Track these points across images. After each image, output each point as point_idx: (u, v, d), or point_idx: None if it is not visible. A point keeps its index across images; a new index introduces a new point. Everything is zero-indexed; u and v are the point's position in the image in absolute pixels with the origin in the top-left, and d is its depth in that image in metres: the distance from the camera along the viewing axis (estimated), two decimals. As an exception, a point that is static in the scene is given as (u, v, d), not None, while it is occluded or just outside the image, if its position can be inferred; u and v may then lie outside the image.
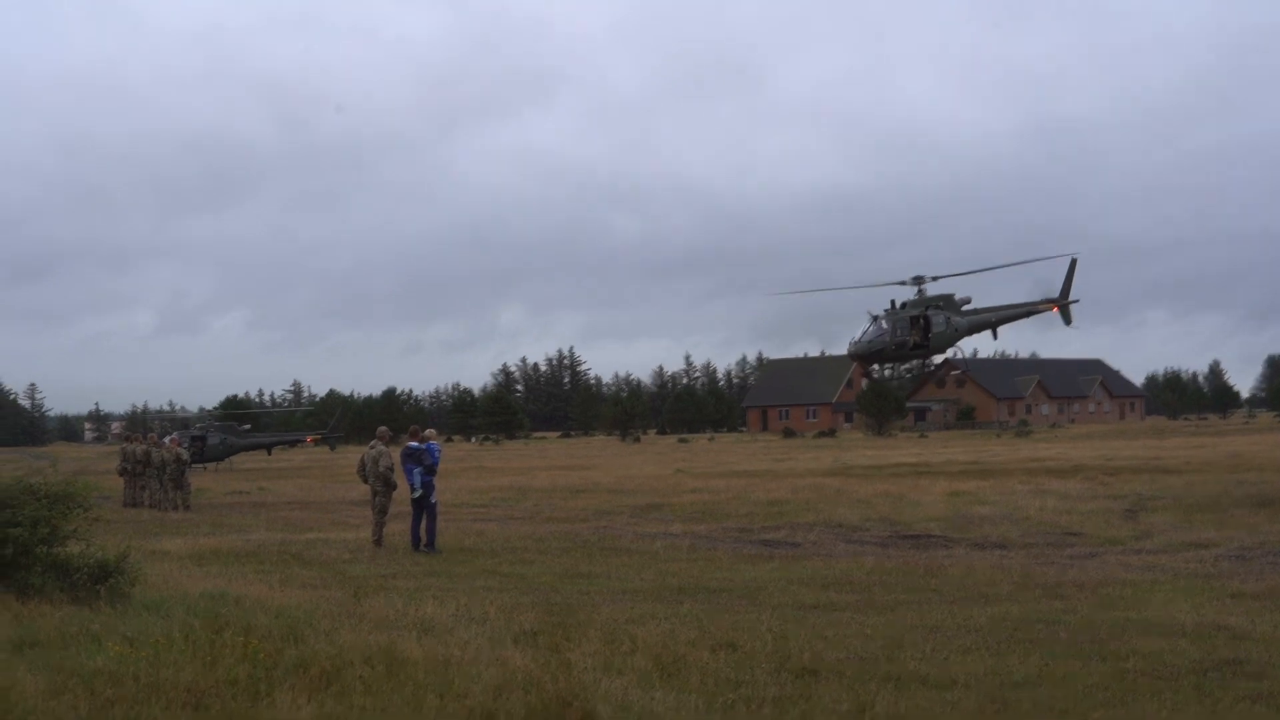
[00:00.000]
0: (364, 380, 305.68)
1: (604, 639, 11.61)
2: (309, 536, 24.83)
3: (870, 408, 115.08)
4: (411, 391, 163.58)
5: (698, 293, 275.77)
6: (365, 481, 23.75)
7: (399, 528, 23.65)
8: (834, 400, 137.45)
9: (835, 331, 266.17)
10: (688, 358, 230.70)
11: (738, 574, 18.10)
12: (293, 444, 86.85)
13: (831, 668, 10.29)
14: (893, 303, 40.15)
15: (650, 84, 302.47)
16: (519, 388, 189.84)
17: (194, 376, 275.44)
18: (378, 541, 22.71)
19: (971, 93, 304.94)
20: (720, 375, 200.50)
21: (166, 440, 39.96)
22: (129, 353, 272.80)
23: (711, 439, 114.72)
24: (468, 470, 52.92)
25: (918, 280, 39.95)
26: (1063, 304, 41.52)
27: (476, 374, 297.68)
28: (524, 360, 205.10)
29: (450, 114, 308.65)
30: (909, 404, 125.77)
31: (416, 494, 22.46)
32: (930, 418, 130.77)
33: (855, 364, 45.00)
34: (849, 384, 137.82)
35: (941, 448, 65.24)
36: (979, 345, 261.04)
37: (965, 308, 40.89)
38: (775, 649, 11.10)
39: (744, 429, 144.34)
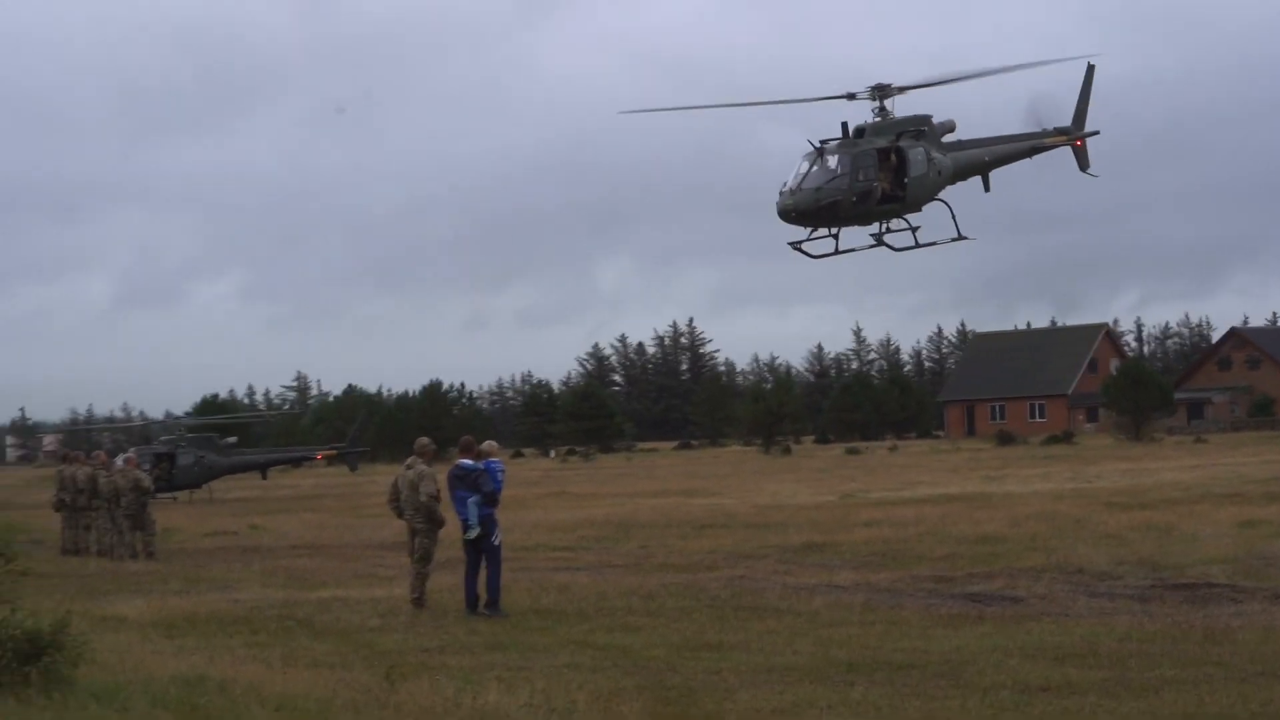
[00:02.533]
0: (398, 372, 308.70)
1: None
2: (322, 595, 25.10)
3: (1123, 401, 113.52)
4: (464, 386, 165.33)
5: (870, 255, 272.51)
6: (400, 516, 23.79)
7: (449, 581, 23.54)
8: (1070, 391, 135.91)
9: (1077, 293, 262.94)
10: (858, 332, 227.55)
11: (933, 643, 17.55)
12: (297, 463, 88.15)
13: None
14: (844, 128, 37.01)
15: None
16: (616, 380, 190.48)
17: (162, 368, 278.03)
18: (418, 601, 22.56)
19: None
20: (906, 357, 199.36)
21: (121, 460, 40.53)
22: (73, 334, 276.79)
23: (894, 448, 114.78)
24: (545, 498, 53.29)
25: (880, 91, 37.15)
26: (1076, 136, 40.33)
27: (558, 360, 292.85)
28: (623, 340, 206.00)
29: None
30: (1179, 394, 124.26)
31: (472, 533, 22.15)
32: (1210, 413, 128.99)
33: (799, 228, 37.63)
34: (1092, 367, 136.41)
35: (1218, 458, 64.40)
36: (1267, 304, 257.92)
37: (947, 138, 38.39)
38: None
39: (941, 434, 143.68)
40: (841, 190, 35.57)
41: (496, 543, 22.46)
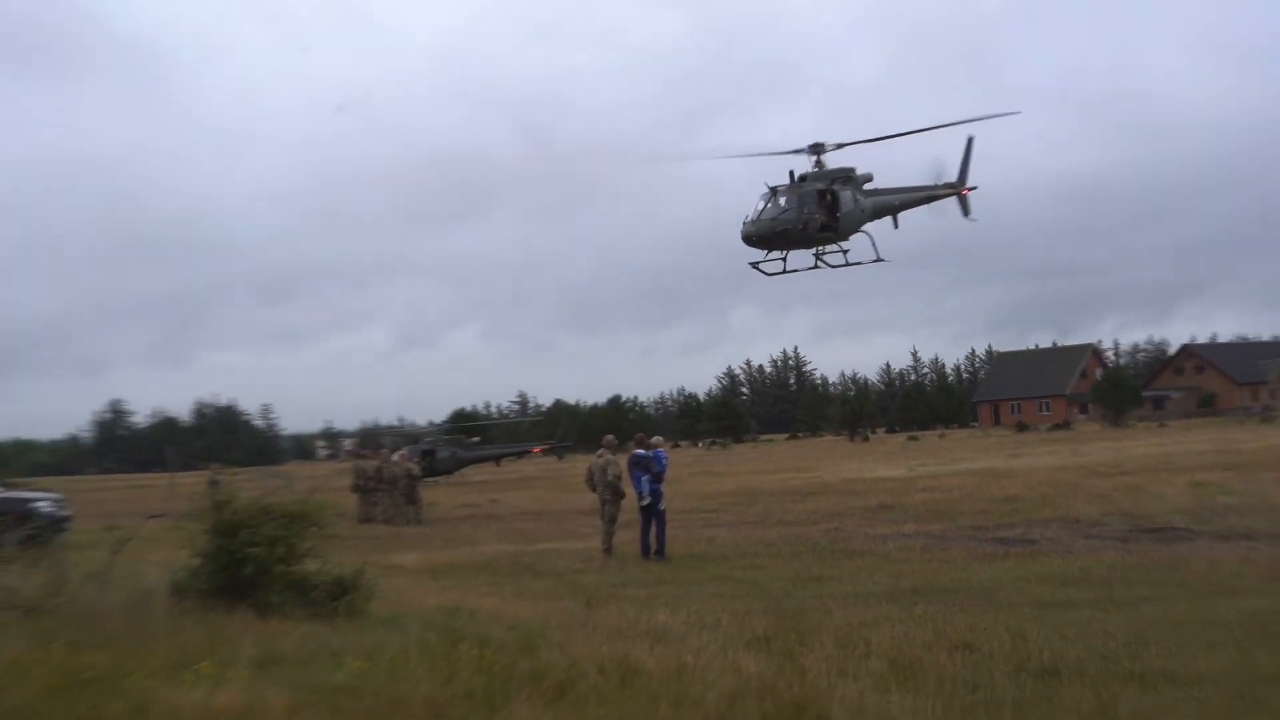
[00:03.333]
0: (589, 389, 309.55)
1: (838, 643, 11.60)
2: (540, 548, 25.32)
3: (1106, 399, 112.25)
4: (637, 398, 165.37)
5: (931, 285, 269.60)
6: (593, 491, 24.17)
7: (628, 536, 23.83)
8: (1068, 392, 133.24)
9: (1071, 321, 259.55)
10: (914, 353, 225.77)
11: (972, 573, 18.00)
12: (520, 455, 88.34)
13: (1072, 667, 10.21)
14: (791, 174, 35.68)
15: (888, 74, 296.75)
16: (744, 391, 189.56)
17: (424, 391, 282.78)
18: (607, 550, 23.06)
19: (1216, 69, 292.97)
20: (949, 370, 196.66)
21: (397, 456, 41.20)
22: (363, 369, 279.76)
23: (942, 435, 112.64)
24: (695, 475, 53.04)
25: (816, 149, 35.85)
26: (960, 189, 38.54)
27: (701, 379, 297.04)
28: (748, 363, 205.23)
29: (688, 116, 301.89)
30: (1146, 393, 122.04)
31: (645, 501, 22.73)
32: (1169, 406, 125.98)
33: (755, 247, 35.68)
34: (1083, 374, 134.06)
35: (1180, 438, 63.03)
36: (1218, 327, 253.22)
37: (867, 186, 36.90)
38: (1013, 649, 11.04)
39: (975, 424, 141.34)
40: (790, 221, 34.79)
41: (662, 508, 22.94)
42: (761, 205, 35.36)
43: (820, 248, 36.34)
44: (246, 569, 13.78)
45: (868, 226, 36.95)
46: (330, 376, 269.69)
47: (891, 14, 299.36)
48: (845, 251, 36.68)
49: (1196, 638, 11.36)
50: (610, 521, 23.45)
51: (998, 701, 9.13)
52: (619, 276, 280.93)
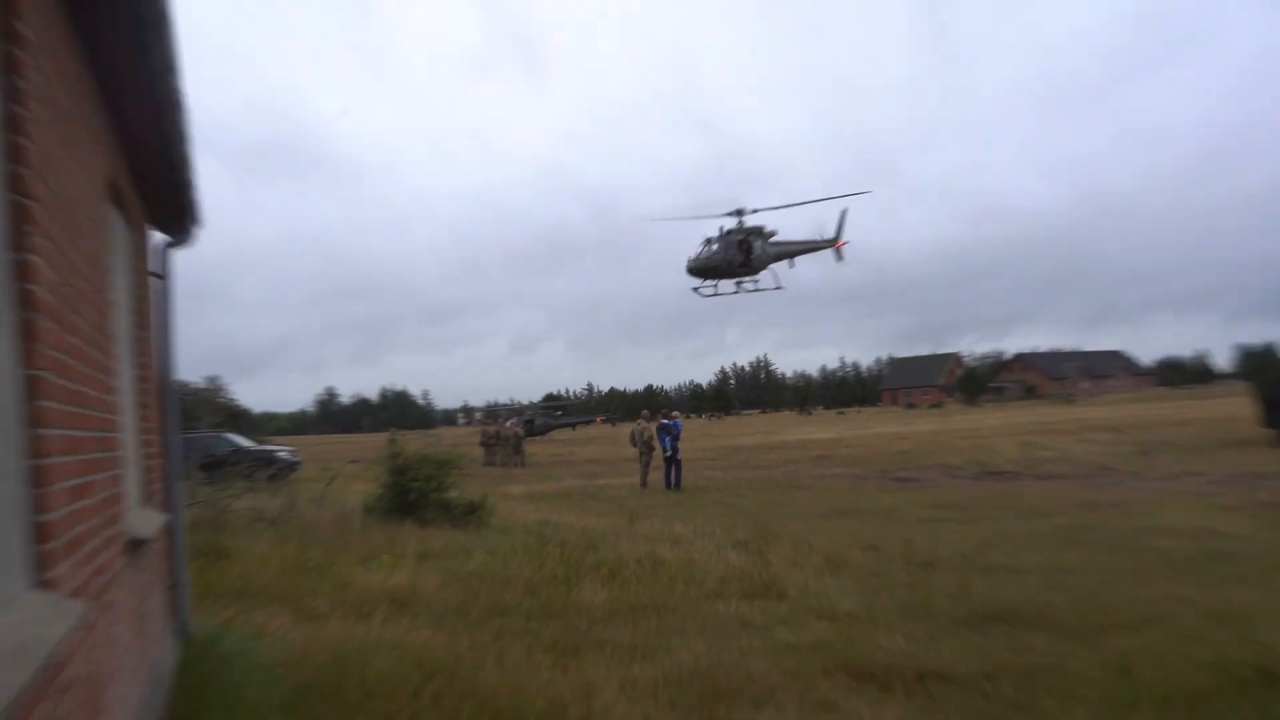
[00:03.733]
0: (632, 380, 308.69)
1: (792, 545, 11.61)
2: (600, 482, 24.96)
3: (965, 387, 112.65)
4: (663, 386, 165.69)
5: (853, 314, 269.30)
6: (634, 446, 23.98)
7: (657, 476, 23.30)
8: (940, 383, 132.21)
9: (943, 336, 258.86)
10: (842, 358, 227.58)
11: (878, 501, 17.44)
12: (588, 423, 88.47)
13: (943, 561, 10.14)
14: (721, 229, 35.41)
15: (830, 179, 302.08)
16: (732, 381, 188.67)
17: (527, 381, 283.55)
18: (643, 484, 22.78)
19: (1037, 178, 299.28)
20: (865, 368, 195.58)
21: (509, 423, 41.32)
22: (488, 367, 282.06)
23: (859, 412, 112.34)
24: (699, 437, 52.93)
25: (738, 213, 35.21)
26: (836, 243, 37.27)
27: (704, 374, 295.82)
28: (734, 364, 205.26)
29: (698, 205, 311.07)
30: (991, 384, 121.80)
31: (668, 454, 22.43)
32: (1006, 393, 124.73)
33: (698, 279, 36.31)
34: (950, 372, 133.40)
35: (1013, 414, 62.73)
36: (1039, 340, 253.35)
37: (772, 239, 36.00)
38: (904, 550, 10.95)
39: (880, 404, 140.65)
40: (720, 259, 34.93)
41: (679, 458, 22.56)
42: (700, 249, 35.53)
43: (740, 279, 36.39)
44: (411, 496, 14.04)
45: (773, 265, 36.52)
46: (467, 372, 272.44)
47: (831, 139, 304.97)
48: (756, 282, 36.58)
49: (1022, 544, 11.29)
50: (645, 466, 23.29)
51: (893, 584, 9.14)
52: (653, 307, 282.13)
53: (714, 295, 36.90)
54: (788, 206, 38.48)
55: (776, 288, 36.82)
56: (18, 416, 2.64)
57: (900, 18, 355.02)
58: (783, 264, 37.08)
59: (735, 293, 36.77)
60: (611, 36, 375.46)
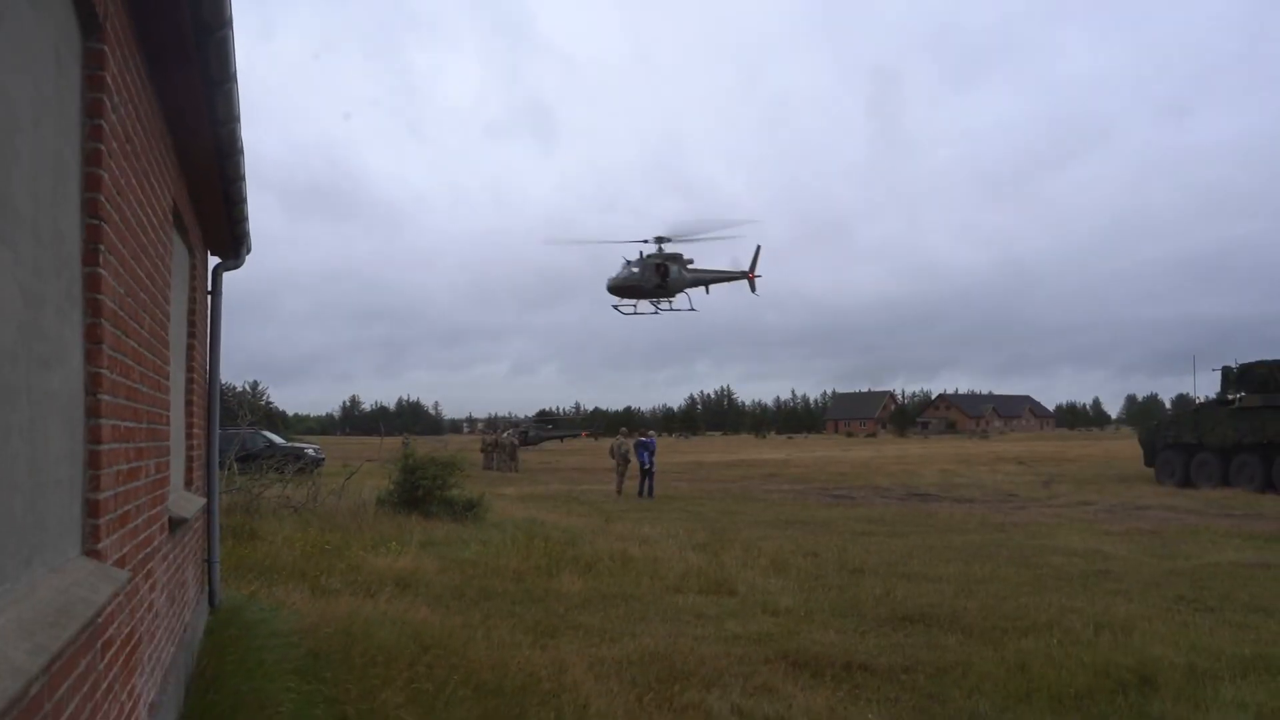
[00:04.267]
0: (614, 401, 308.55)
1: (743, 549, 11.54)
2: (582, 488, 24.53)
3: (896, 421, 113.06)
4: (640, 407, 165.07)
5: (803, 354, 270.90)
6: (612, 458, 23.87)
7: (630, 485, 22.98)
8: (876, 416, 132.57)
9: (879, 376, 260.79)
10: (793, 391, 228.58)
11: (818, 513, 17.48)
12: (575, 436, 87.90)
13: (871, 568, 10.19)
14: (640, 253, 33.17)
15: (789, 237, 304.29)
16: (698, 406, 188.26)
17: (523, 398, 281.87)
18: (619, 491, 22.58)
19: (965, 246, 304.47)
20: (813, 401, 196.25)
21: (506, 434, 40.97)
22: (492, 385, 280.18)
23: (806, 438, 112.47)
24: (669, 453, 52.70)
25: (660, 240, 33.17)
26: (751, 276, 35.51)
27: (676, 399, 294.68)
28: (701, 391, 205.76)
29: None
30: (918, 419, 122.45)
31: (644, 467, 22.21)
32: (931, 427, 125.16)
33: (614, 295, 33.56)
34: (885, 407, 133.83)
35: (936, 445, 63.05)
36: (960, 383, 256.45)
37: (690, 266, 33.84)
38: (839, 557, 11.00)
39: (824, 432, 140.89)
40: (638, 280, 32.79)
41: (653, 470, 22.48)
42: (621, 270, 33.26)
43: (657, 300, 34.09)
44: (419, 492, 13.93)
45: (690, 291, 34.46)
46: (473, 387, 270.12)
47: (792, 204, 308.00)
48: (671, 304, 34.27)
49: (940, 555, 11.28)
50: (620, 476, 23.16)
51: (829, 585, 9.17)
52: (633, 341, 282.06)
53: (633, 314, 34.57)
54: (705, 239, 35.08)
55: (690, 309, 34.71)
56: (84, 408, 2.63)
57: (857, 106, 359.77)
58: (699, 291, 35.21)
59: (655, 313, 34.53)
60: (609, 109, 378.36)
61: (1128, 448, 37.32)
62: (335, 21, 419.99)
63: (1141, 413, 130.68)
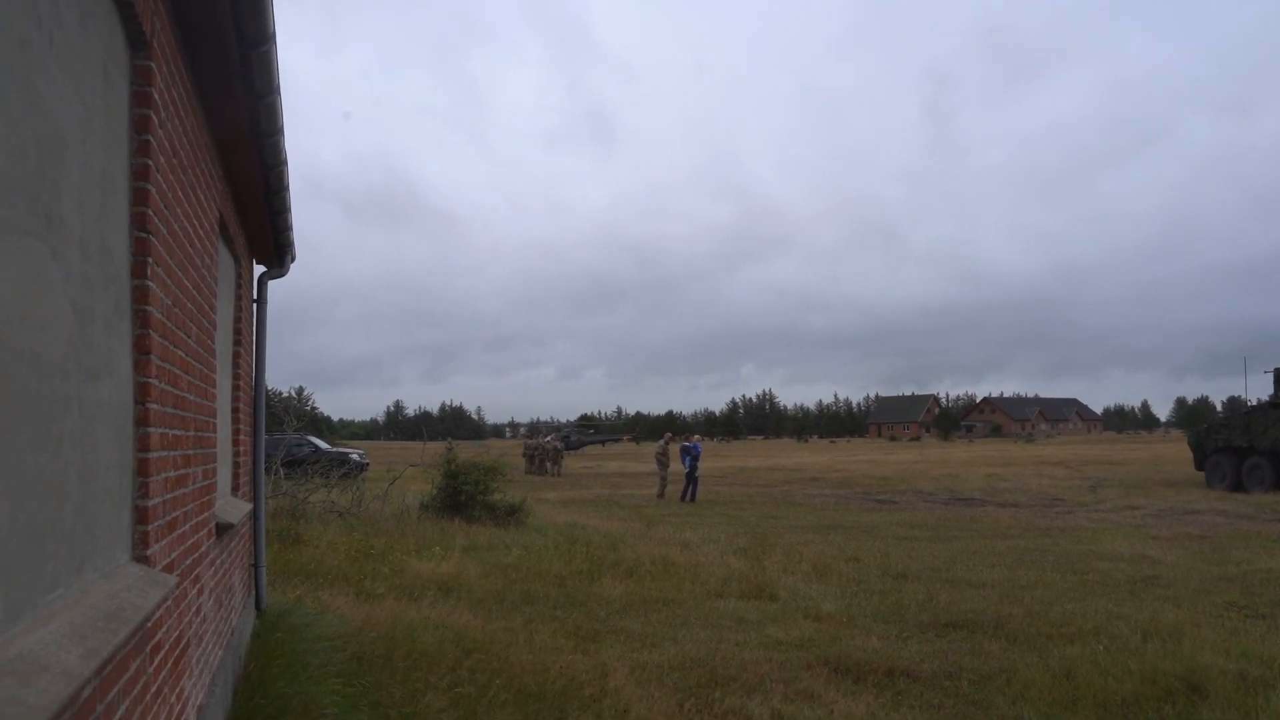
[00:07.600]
0: (657, 406, 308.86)
1: (785, 554, 11.47)
2: (624, 492, 24.67)
3: (940, 424, 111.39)
4: (681, 412, 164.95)
5: (848, 358, 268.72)
6: (656, 462, 23.75)
7: (674, 489, 22.98)
8: (920, 419, 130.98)
9: (923, 380, 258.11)
10: (836, 394, 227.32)
11: (861, 518, 17.32)
12: (617, 440, 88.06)
13: (914, 573, 10.06)
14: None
15: (838, 240, 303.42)
16: (740, 410, 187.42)
17: (566, 403, 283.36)
18: (661, 495, 22.44)
19: (1015, 248, 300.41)
20: (856, 405, 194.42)
21: (549, 438, 41.21)
22: (536, 390, 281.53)
23: (849, 442, 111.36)
24: (711, 457, 52.72)
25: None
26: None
27: (718, 403, 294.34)
28: (744, 395, 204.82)
29: (728, 259, 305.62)
30: (963, 423, 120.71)
31: (687, 470, 22.00)
32: (975, 431, 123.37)
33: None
34: (929, 411, 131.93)
35: (980, 449, 62.01)
36: (1005, 387, 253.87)
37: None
38: (882, 562, 10.90)
39: (867, 436, 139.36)
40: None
41: (697, 475, 22.27)
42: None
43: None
44: (462, 496, 14.01)
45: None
46: (517, 392, 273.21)
47: (843, 208, 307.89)
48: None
49: (984, 561, 11.12)
50: (663, 481, 23.04)
51: (871, 590, 9.07)
52: (678, 345, 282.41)
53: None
54: None
55: None
56: (133, 417, 2.68)
57: (910, 108, 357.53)
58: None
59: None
60: (662, 116, 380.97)
61: (1177, 451, 36.38)
62: (401, 33, 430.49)
63: (1191, 415, 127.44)
